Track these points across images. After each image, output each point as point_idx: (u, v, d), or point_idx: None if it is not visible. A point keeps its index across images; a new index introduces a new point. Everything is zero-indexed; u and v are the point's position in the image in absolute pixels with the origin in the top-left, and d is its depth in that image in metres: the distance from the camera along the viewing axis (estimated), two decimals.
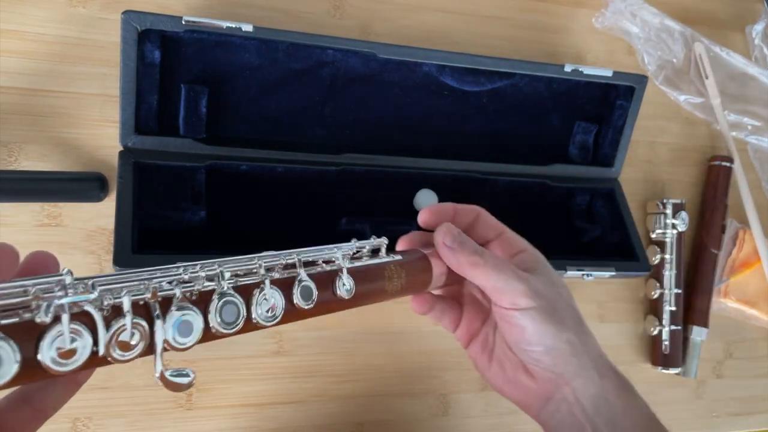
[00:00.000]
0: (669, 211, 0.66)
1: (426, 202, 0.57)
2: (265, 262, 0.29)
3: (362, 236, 0.55)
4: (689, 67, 0.73)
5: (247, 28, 0.49)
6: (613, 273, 0.60)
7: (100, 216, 0.50)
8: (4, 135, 0.49)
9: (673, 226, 0.66)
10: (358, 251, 0.34)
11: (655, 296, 0.65)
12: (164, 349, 0.25)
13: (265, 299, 0.28)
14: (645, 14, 0.70)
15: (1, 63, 0.49)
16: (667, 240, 0.65)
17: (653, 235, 0.67)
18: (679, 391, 0.67)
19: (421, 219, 0.37)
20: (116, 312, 0.24)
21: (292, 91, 0.54)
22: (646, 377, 0.66)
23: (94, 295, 0.23)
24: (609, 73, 0.60)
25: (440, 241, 0.35)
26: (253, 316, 0.28)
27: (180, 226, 0.50)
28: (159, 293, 0.25)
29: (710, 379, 0.69)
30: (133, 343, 0.24)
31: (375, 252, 0.35)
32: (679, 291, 0.65)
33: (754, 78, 0.75)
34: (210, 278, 0.27)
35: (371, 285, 0.33)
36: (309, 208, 0.55)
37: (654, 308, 0.66)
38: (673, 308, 0.64)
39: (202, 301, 0.26)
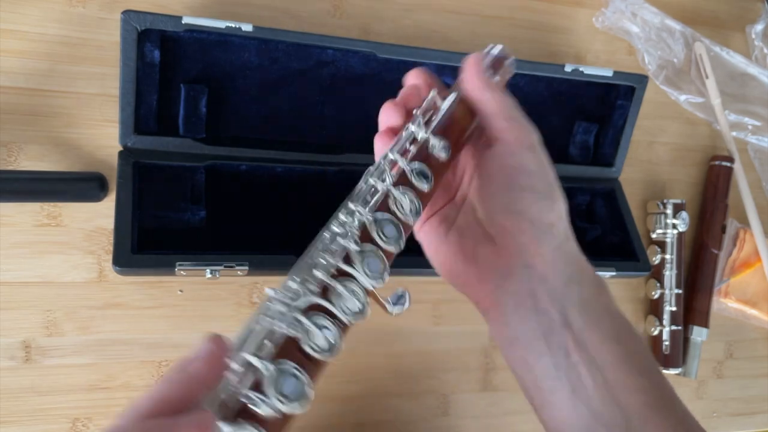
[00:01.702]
0: (669, 211, 0.66)
1: None
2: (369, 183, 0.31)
3: None
4: (690, 66, 0.73)
5: (247, 27, 0.49)
6: (614, 273, 0.60)
7: (100, 216, 0.50)
8: (3, 135, 0.49)
9: (674, 226, 0.65)
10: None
11: (656, 296, 0.65)
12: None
13: (401, 202, 0.30)
14: (645, 14, 0.70)
15: (0, 63, 0.49)
16: (668, 240, 0.65)
17: (653, 235, 0.67)
18: (680, 392, 0.66)
19: (412, 76, 0.36)
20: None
21: (292, 91, 0.54)
22: None
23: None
24: (609, 73, 0.60)
25: (471, 60, 0.34)
26: (401, 216, 0.30)
27: (180, 226, 0.50)
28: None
29: (711, 380, 0.69)
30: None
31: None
32: (680, 291, 0.65)
33: (755, 78, 0.75)
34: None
35: (456, 129, 0.33)
36: (309, 208, 0.55)
37: (654, 308, 0.66)
38: (674, 308, 0.64)
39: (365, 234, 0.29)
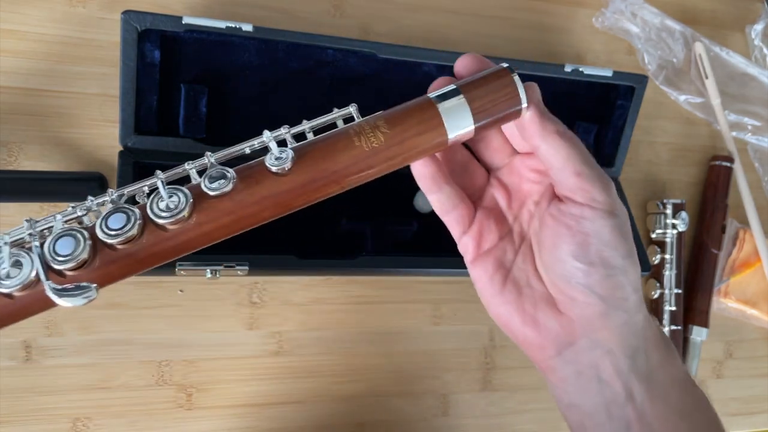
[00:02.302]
0: (669, 211, 0.66)
1: (426, 202, 0.57)
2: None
3: (362, 237, 0.56)
4: (689, 67, 0.73)
5: (247, 27, 0.49)
6: None
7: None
8: (3, 135, 0.49)
9: (674, 226, 0.65)
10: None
11: (655, 296, 0.65)
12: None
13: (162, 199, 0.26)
14: (645, 14, 0.70)
15: (0, 63, 0.49)
16: (668, 240, 0.65)
17: (653, 235, 0.67)
18: None
19: (462, 63, 0.30)
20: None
21: (292, 91, 0.54)
22: None
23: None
24: (609, 73, 0.60)
25: (532, 95, 0.28)
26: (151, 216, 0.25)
27: None
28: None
29: (710, 380, 0.69)
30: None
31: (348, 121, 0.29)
32: (679, 291, 0.65)
33: (754, 78, 0.75)
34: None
35: (327, 144, 0.27)
36: (309, 208, 0.55)
37: (654, 308, 0.66)
38: (673, 308, 0.64)
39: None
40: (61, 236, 0.24)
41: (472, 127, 0.28)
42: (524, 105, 0.28)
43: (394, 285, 0.57)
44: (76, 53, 0.51)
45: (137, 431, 0.49)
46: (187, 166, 0.27)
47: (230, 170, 0.26)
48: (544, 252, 0.29)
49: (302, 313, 0.54)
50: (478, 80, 0.28)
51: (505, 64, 0.29)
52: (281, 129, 0.28)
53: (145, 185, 0.27)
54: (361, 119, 0.28)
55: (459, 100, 0.28)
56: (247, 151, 0.28)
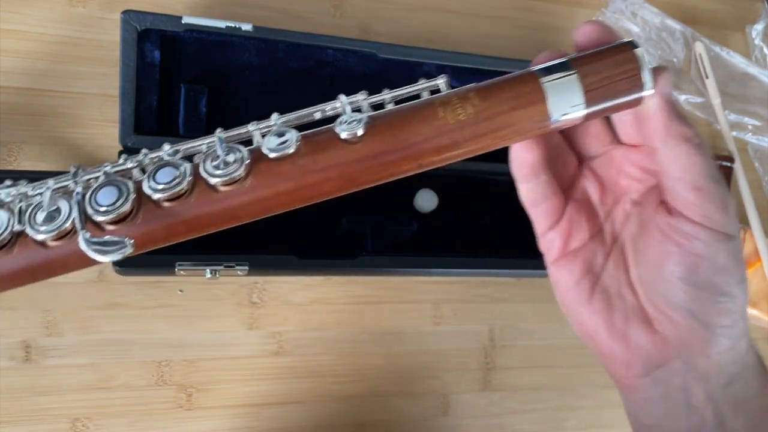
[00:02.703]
0: None
1: (426, 201, 0.57)
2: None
3: (362, 237, 0.56)
4: (689, 66, 0.73)
5: (247, 27, 0.49)
6: None
7: None
8: (3, 135, 0.49)
9: None
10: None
11: None
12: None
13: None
14: (645, 14, 0.70)
15: (0, 62, 0.49)
16: None
17: None
18: None
19: (585, 31, 0.24)
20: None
21: (292, 91, 0.54)
22: None
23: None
24: None
25: (662, 84, 0.24)
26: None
27: None
28: None
29: None
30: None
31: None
32: None
33: (755, 78, 0.75)
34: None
35: (406, 112, 0.24)
36: (309, 208, 0.55)
37: None
38: None
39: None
40: (104, 186, 0.22)
41: (583, 109, 0.23)
42: (648, 91, 0.24)
43: (394, 285, 0.57)
44: (75, 53, 0.51)
45: (137, 431, 0.49)
46: (251, 127, 0.25)
47: (294, 131, 0.23)
48: (645, 265, 0.26)
49: (302, 313, 0.54)
50: (592, 54, 0.24)
51: (627, 39, 0.24)
52: (358, 95, 0.25)
53: (204, 143, 0.25)
54: (450, 90, 0.25)
55: (568, 76, 0.23)
56: (318, 116, 0.25)
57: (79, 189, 0.23)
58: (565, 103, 0.23)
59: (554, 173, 0.27)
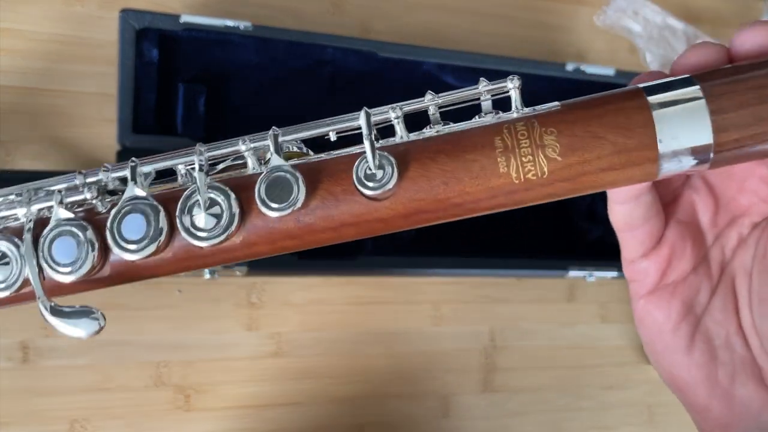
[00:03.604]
0: None
1: None
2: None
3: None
4: None
5: (246, 26, 0.49)
6: (616, 274, 0.60)
7: None
8: (1, 134, 0.49)
9: None
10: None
11: None
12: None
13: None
14: (647, 12, 0.70)
15: None
16: None
17: None
18: None
19: (748, 37, 0.19)
20: None
21: (292, 90, 0.54)
22: (648, 378, 0.65)
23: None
24: (611, 72, 0.60)
25: None
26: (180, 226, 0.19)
27: None
28: None
29: None
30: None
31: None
32: None
33: None
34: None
35: (453, 161, 0.17)
36: None
37: None
38: None
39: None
40: (61, 236, 0.19)
41: (710, 153, 0.17)
42: None
43: (394, 285, 0.57)
44: (74, 52, 0.51)
45: None
46: (242, 146, 0.20)
47: (302, 183, 0.18)
48: (763, 308, 0.21)
49: (301, 314, 0.54)
50: (724, 70, 0.17)
51: None
52: (386, 107, 0.19)
53: (180, 184, 0.20)
54: (517, 114, 0.18)
55: (692, 102, 0.16)
56: (333, 137, 0.20)
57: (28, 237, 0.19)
58: (684, 140, 0.17)
59: (656, 186, 0.21)
